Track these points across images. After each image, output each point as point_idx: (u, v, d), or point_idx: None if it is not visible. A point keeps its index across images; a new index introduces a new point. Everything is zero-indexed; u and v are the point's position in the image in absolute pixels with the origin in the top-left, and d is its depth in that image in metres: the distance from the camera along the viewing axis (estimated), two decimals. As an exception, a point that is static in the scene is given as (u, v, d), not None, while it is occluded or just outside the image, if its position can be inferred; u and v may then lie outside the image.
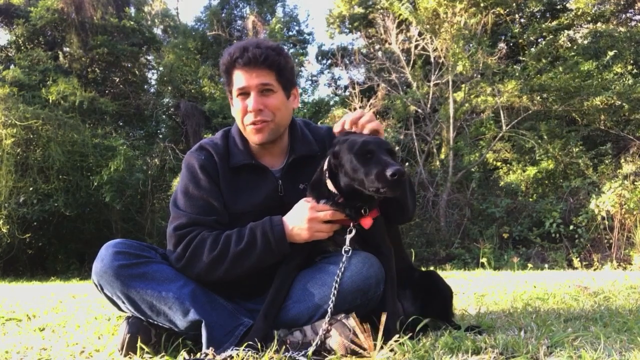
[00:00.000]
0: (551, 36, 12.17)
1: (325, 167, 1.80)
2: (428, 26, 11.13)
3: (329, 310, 1.66)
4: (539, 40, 12.48)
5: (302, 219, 1.76)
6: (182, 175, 1.98)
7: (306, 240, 1.78)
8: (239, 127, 2.00)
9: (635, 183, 8.83)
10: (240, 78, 1.89)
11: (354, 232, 1.77)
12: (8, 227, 10.32)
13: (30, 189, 10.86)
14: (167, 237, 1.88)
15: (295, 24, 17.98)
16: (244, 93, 1.90)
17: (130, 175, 11.66)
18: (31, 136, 11.11)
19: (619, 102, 10.78)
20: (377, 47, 13.71)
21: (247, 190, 1.95)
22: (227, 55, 1.92)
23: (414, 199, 2.01)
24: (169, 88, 15.97)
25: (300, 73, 15.88)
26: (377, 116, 12.22)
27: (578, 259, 8.27)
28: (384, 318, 1.60)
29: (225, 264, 1.77)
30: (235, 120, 2.04)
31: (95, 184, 11.05)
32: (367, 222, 1.76)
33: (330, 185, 1.77)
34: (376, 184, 1.58)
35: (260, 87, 1.88)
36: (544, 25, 12.11)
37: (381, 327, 1.57)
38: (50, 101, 11.87)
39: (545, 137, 11.18)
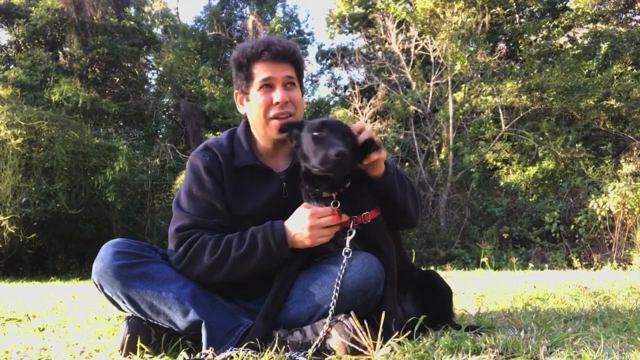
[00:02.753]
0: (550, 34, 12.18)
1: None
2: (426, 26, 11.13)
3: (330, 311, 1.66)
4: (539, 39, 12.48)
5: (303, 226, 1.75)
6: (186, 176, 1.97)
7: (309, 246, 1.78)
8: (256, 122, 1.96)
9: (637, 182, 8.82)
10: (265, 70, 1.89)
11: (354, 233, 1.77)
12: (16, 227, 10.32)
13: (33, 189, 10.87)
14: (169, 237, 1.88)
15: (295, 24, 18.01)
16: (269, 85, 1.90)
17: (133, 176, 11.67)
18: (34, 137, 11.12)
19: (618, 102, 10.79)
20: (377, 47, 13.71)
21: (252, 191, 1.94)
22: (249, 48, 1.91)
23: (416, 204, 1.99)
24: (169, 88, 15.97)
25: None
26: (377, 116, 12.25)
27: (578, 259, 8.28)
28: (383, 318, 1.60)
29: (225, 267, 1.76)
30: (240, 120, 2.03)
31: (98, 184, 11.07)
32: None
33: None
34: (320, 163, 1.61)
35: (286, 79, 1.90)
36: (543, 25, 12.11)
37: (381, 327, 1.57)
38: (53, 102, 11.88)
39: (547, 134, 11.18)
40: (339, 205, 1.75)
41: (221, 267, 1.76)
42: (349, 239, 1.76)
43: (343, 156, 1.58)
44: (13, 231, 10.27)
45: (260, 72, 1.90)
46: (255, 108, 1.93)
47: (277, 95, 1.88)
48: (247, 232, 1.80)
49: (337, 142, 1.63)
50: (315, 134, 1.68)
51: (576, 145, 10.75)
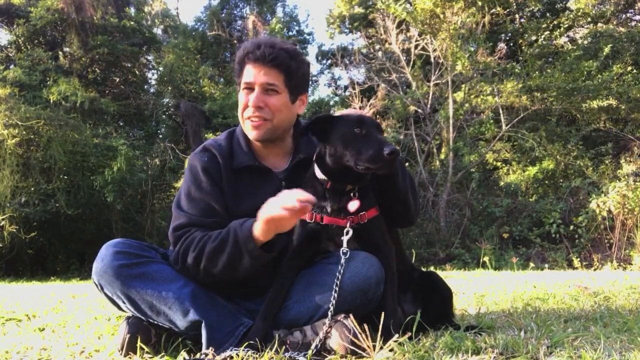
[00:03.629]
0: (550, 33, 12.17)
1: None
2: (426, 26, 11.13)
3: (330, 312, 1.66)
4: (540, 40, 12.48)
5: (274, 202, 1.62)
6: (185, 177, 1.99)
7: (281, 219, 1.61)
8: (239, 120, 2.01)
9: (637, 183, 8.83)
10: (249, 73, 1.91)
11: (350, 233, 1.77)
12: (12, 227, 10.32)
13: (32, 189, 10.87)
14: (169, 237, 1.89)
15: (295, 24, 18.00)
16: (249, 88, 1.91)
17: (132, 176, 11.66)
18: (32, 136, 11.12)
19: (618, 103, 10.79)
20: (377, 47, 13.71)
21: (250, 192, 1.94)
22: (242, 49, 1.94)
23: (415, 198, 2.00)
24: (169, 88, 15.97)
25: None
26: (377, 116, 12.25)
27: (578, 259, 8.27)
28: (383, 318, 1.60)
29: (203, 261, 1.73)
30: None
31: (97, 184, 11.07)
32: (353, 206, 1.75)
33: (317, 171, 1.78)
34: (370, 160, 1.61)
35: (265, 85, 1.89)
36: (544, 25, 12.11)
37: (380, 328, 1.57)
38: (52, 101, 11.88)
39: (545, 136, 11.19)
40: (357, 195, 1.77)
41: (200, 262, 1.74)
42: (345, 238, 1.76)
43: (397, 154, 1.60)
44: (13, 230, 10.27)
45: (246, 73, 1.92)
46: (238, 106, 1.98)
47: (252, 98, 1.89)
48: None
49: (384, 140, 1.65)
50: (356, 130, 1.68)
51: (575, 149, 10.74)
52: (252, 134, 1.94)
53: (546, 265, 8.08)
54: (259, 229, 1.66)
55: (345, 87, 17.03)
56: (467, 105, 11.58)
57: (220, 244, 1.72)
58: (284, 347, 1.62)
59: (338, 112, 1.90)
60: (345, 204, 1.77)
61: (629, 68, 11.40)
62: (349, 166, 1.67)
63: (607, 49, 10.85)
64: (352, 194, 1.77)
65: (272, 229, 1.65)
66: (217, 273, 1.74)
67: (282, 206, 1.57)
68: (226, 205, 1.91)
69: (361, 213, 1.78)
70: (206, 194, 1.89)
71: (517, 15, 13.33)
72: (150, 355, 1.71)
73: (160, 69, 16.49)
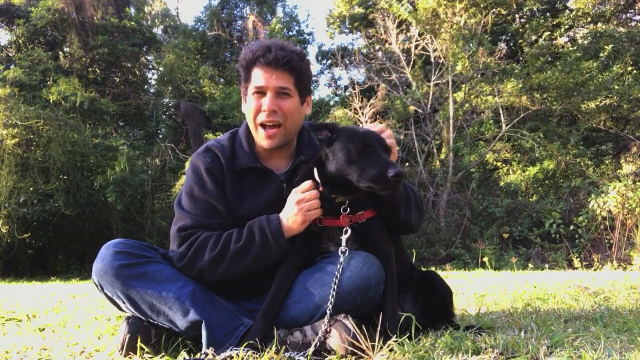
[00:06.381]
0: (550, 33, 12.17)
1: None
2: (428, 26, 11.13)
3: (328, 311, 1.66)
4: (541, 40, 12.48)
5: (292, 205, 1.77)
6: (187, 177, 1.98)
7: (302, 224, 1.77)
8: (249, 125, 1.99)
9: (636, 183, 8.83)
10: (259, 77, 1.89)
11: (349, 232, 1.77)
12: (8, 227, 10.32)
13: (31, 189, 10.87)
14: (171, 237, 1.89)
15: (295, 24, 18.00)
16: (261, 92, 1.90)
17: (133, 176, 11.67)
18: (32, 136, 11.12)
19: (619, 103, 10.80)
20: (377, 47, 13.71)
21: (252, 193, 1.95)
22: (250, 52, 1.92)
23: (419, 216, 2.01)
24: (169, 88, 15.97)
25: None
26: (377, 116, 12.25)
27: (578, 259, 8.27)
28: (383, 318, 1.60)
29: (225, 261, 1.77)
30: (243, 119, 2.04)
31: (98, 184, 11.07)
32: (360, 218, 1.78)
33: (315, 173, 1.78)
34: (373, 180, 1.59)
35: (278, 89, 1.88)
36: (544, 25, 12.11)
37: (381, 328, 1.56)
38: (51, 101, 11.88)
39: (542, 136, 11.19)
40: (348, 211, 1.76)
41: (221, 262, 1.77)
42: (344, 237, 1.76)
43: (402, 176, 1.58)
44: (6, 231, 10.25)
45: (255, 77, 1.90)
46: (248, 111, 1.96)
47: (265, 102, 1.88)
48: (245, 226, 1.82)
49: (389, 160, 1.62)
50: (362, 146, 1.65)
51: (573, 146, 10.74)
52: (265, 143, 1.94)
53: (546, 265, 8.08)
54: (292, 227, 1.77)
55: (346, 87, 17.02)
56: (467, 105, 11.58)
57: (246, 243, 1.77)
58: (284, 347, 1.62)
59: (347, 125, 1.88)
60: (338, 205, 1.78)
61: (629, 68, 11.39)
62: (350, 180, 1.66)
63: (608, 49, 10.83)
64: (342, 208, 1.77)
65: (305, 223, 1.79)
66: (239, 271, 1.79)
67: (317, 208, 1.76)
68: (228, 206, 1.91)
69: (359, 213, 1.78)
70: (210, 195, 1.89)
71: (517, 15, 13.33)
72: (150, 355, 1.71)
73: (160, 69, 16.49)
